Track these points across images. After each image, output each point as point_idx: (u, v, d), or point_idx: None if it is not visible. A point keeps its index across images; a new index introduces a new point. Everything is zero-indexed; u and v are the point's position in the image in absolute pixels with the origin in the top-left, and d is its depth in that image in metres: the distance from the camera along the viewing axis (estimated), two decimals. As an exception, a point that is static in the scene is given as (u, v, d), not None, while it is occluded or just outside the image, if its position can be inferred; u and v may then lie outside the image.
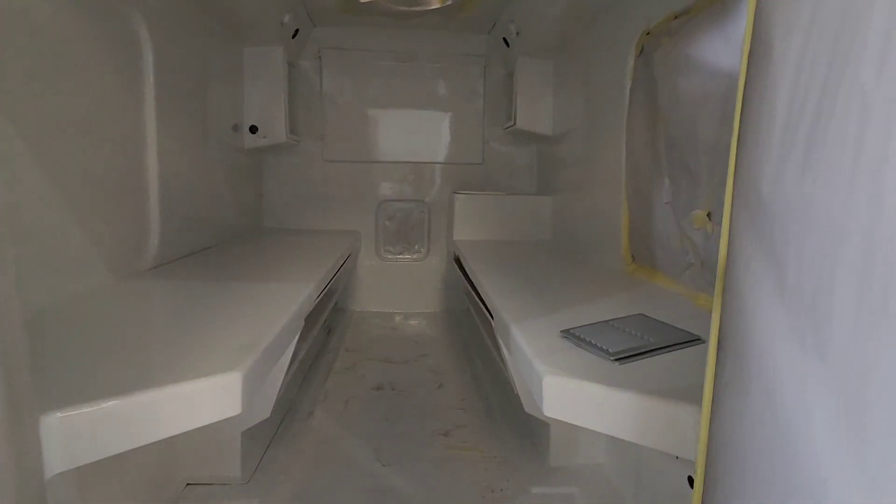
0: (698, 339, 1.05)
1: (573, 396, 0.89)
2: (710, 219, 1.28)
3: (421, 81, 3.07)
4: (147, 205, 1.70)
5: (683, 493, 1.09)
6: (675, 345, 1.03)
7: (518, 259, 2.19)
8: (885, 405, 0.37)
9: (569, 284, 1.70)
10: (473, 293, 1.95)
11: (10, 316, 0.61)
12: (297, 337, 1.34)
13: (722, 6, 1.26)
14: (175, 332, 1.10)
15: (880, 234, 0.39)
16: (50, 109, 1.24)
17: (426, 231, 3.20)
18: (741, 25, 1.18)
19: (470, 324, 2.78)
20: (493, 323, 1.46)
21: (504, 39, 2.79)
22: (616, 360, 0.96)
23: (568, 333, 1.09)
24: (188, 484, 1.37)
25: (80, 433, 0.72)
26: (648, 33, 1.62)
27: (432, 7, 2.54)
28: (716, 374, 0.63)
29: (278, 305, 1.30)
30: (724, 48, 1.25)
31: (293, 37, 2.72)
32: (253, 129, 2.68)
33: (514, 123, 2.80)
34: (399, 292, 3.19)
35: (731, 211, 0.60)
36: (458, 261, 2.51)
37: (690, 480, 1.04)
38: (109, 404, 0.74)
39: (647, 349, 1.00)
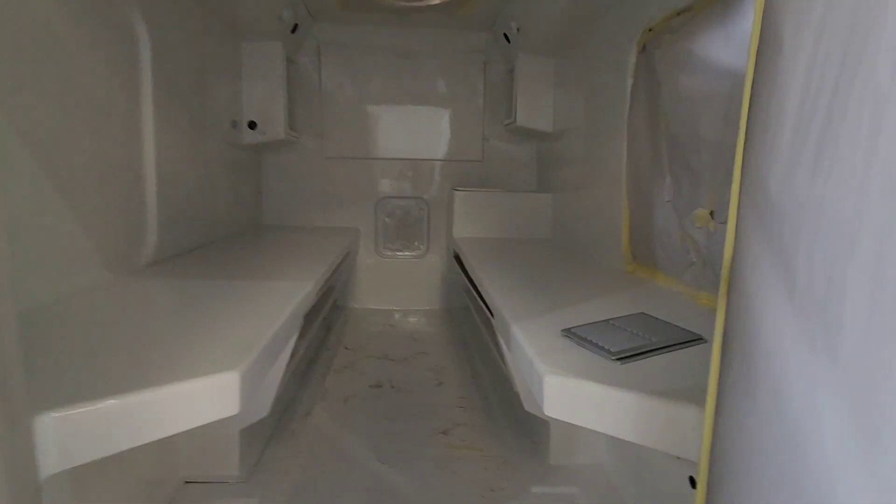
0: (700, 339, 1.05)
1: (574, 396, 0.88)
2: (712, 217, 1.27)
3: (421, 78, 3.05)
4: (144, 201, 1.68)
5: (684, 493, 1.09)
6: (676, 344, 1.02)
7: (518, 257, 2.18)
8: (897, 410, 0.37)
9: (569, 283, 1.69)
10: (473, 291, 1.94)
11: (2, 314, 0.60)
12: (296, 335, 1.33)
13: (725, 4, 1.25)
14: (172, 330, 1.09)
15: (893, 235, 0.38)
16: (46, 105, 1.22)
17: (425, 228, 3.19)
18: (745, 23, 1.18)
19: (469, 321, 2.77)
20: (493, 321, 1.45)
21: (505, 35, 2.78)
22: (617, 359, 0.95)
23: (569, 332, 1.08)
24: (186, 482, 1.36)
25: (75, 433, 0.71)
26: (650, 30, 1.61)
27: (432, 2, 2.52)
28: (721, 375, 0.62)
29: (277, 303, 1.30)
30: (726, 46, 1.24)
31: (292, 32, 2.70)
32: (252, 125, 2.66)
33: (515, 120, 2.79)
34: (398, 289, 3.18)
35: (738, 210, 0.59)
36: (457, 258, 2.50)
37: (692, 480, 1.04)
38: (105, 404, 0.73)
39: (649, 349, 1.00)
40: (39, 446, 0.67)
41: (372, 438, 1.62)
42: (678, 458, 1.06)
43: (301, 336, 1.42)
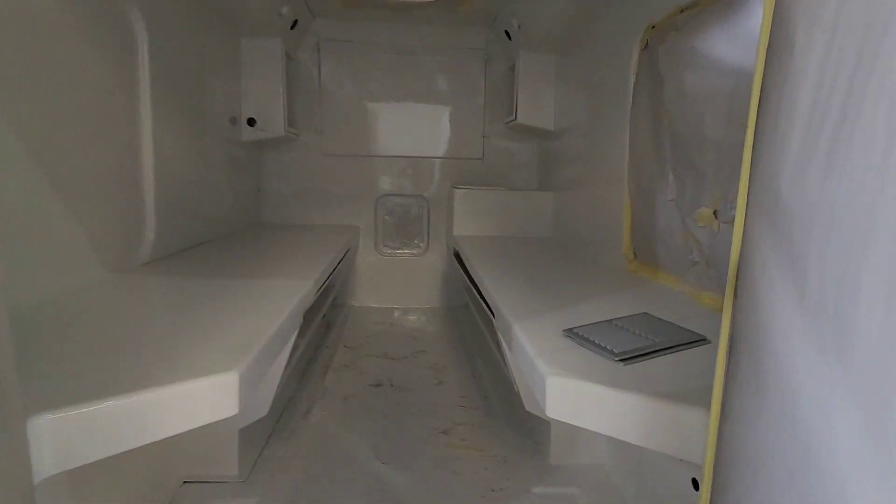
0: (704, 340, 1.04)
1: (577, 398, 0.87)
2: (716, 217, 1.26)
3: (421, 75, 3.04)
4: (142, 199, 1.67)
5: (686, 495, 1.08)
6: (680, 345, 1.01)
7: (518, 255, 2.17)
8: (914, 418, 0.36)
9: (570, 282, 1.68)
10: (473, 289, 1.93)
11: (-3, 315, 0.59)
12: (295, 334, 1.32)
13: (729, 1, 1.23)
14: (170, 329, 1.07)
15: (911, 238, 0.37)
16: (42, 102, 1.21)
17: (425, 226, 3.18)
18: (750, 20, 1.16)
19: (469, 320, 2.77)
20: (494, 320, 1.44)
21: (506, 32, 2.76)
22: (621, 360, 0.94)
23: (571, 332, 1.07)
24: (185, 482, 1.35)
25: (71, 435, 0.70)
26: (653, 27, 1.60)
27: (433, -1, 2.51)
28: (727, 377, 0.61)
29: (276, 302, 1.29)
30: (731, 43, 1.22)
31: (292, 28, 2.68)
32: (251, 122, 2.64)
33: (516, 118, 2.77)
34: (398, 287, 3.17)
35: (746, 210, 0.58)
36: (457, 256, 2.49)
37: (695, 482, 1.03)
38: (101, 406, 0.72)
39: (652, 349, 0.99)
40: (34, 448, 0.66)
41: (372, 437, 1.62)
42: (681, 459, 1.06)
43: (300, 335, 1.41)
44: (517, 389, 1.40)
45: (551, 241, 2.65)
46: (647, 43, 1.64)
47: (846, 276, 0.41)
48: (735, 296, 0.61)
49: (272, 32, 2.57)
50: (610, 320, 1.15)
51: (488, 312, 1.59)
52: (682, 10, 1.44)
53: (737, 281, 0.61)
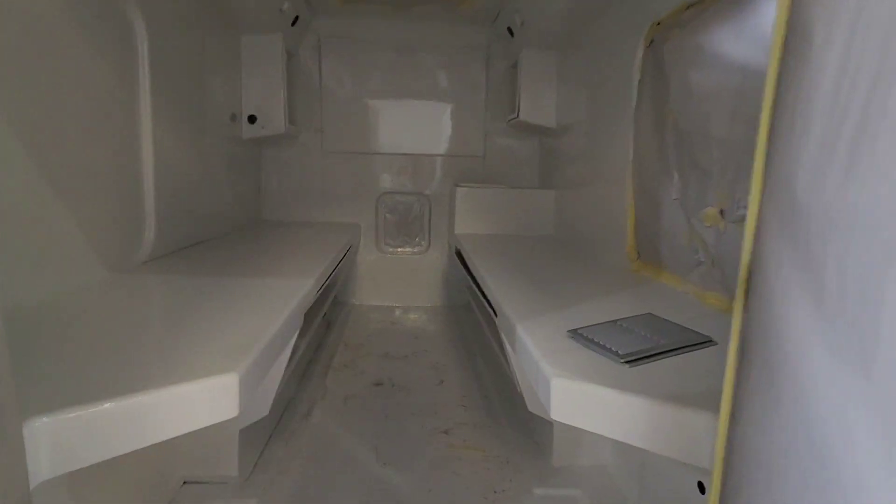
0: (710, 341, 1.02)
1: (582, 400, 0.86)
2: (722, 216, 1.25)
3: (422, 72, 3.02)
4: (142, 196, 1.65)
5: (691, 498, 1.07)
6: (686, 346, 1.00)
7: (520, 254, 2.16)
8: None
9: (573, 281, 1.67)
10: (475, 288, 1.92)
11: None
12: (296, 334, 1.31)
13: (737, -4, 1.22)
14: (169, 329, 1.06)
15: (937, 242, 0.35)
16: (41, 100, 1.19)
17: (427, 224, 3.17)
18: (758, 16, 1.15)
19: (471, 319, 2.75)
20: (496, 320, 1.43)
21: (508, 29, 2.74)
22: (626, 362, 0.93)
23: (575, 333, 1.06)
24: (185, 482, 1.34)
25: (68, 438, 0.69)
26: (658, 24, 1.58)
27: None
28: (738, 381, 0.60)
29: (277, 301, 1.27)
30: (739, 40, 1.21)
31: (292, 25, 2.66)
32: (251, 119, 2.63)
33: (518, 116, 2.76)
34: (399, 286, 3.16)
35: (759, 211, 0.57)
36: (459, 255, 2.48)
37: (701, 486, 1.02)
38: (99, 408, 0.71)
39: (658, 351, 0.97)
40: (31, 452, 0.64)
41: (372, 438, 1.61)
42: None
43: (301, 334, 1.40)
44: (519, 390, 1.39)
45: (553, 239, 2.63)
46: (651, 40, 1.62)
47: (868, 282, 0.40)
48: (746, 298, 0.60)
49: (273, 29, 2.55)
50: (614, 321, 1.13)
51: (490, 312, 1.58)
52: (687, 7, 1.42)
53: (748, 283, 0.60)
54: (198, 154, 2.08)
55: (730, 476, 0.61)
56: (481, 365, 2.22)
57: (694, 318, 1.18)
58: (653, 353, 0.97)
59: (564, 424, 0.89)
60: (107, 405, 0.72)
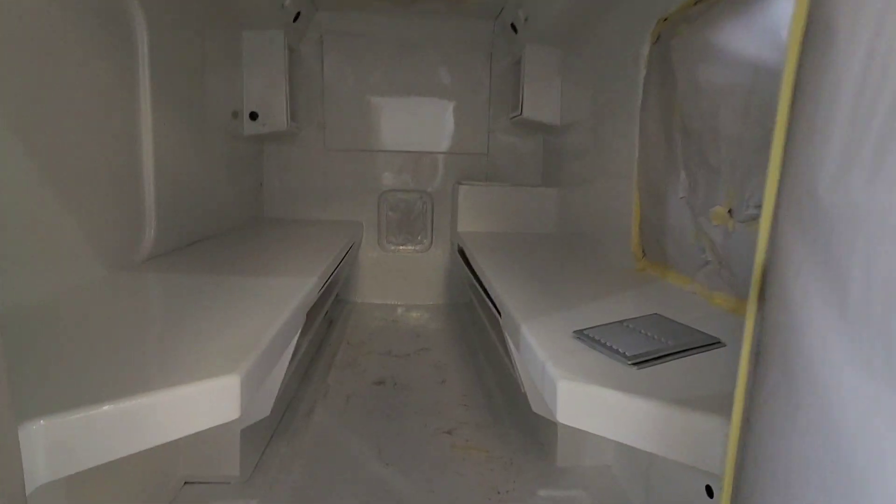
0: (719, 343, 1.01)
1: (589, 403, 0.85)
2: (731, 216, 1.23)
3: (425, 69, 2.99)
4: (142, 194, 1.64)
5: (698, 501, 1.05)
6: (694, 348, 0.98)
7: (524, 252, 2.14)
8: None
9: (577, 280, 1.65)
10: (478, 286, 1.91)
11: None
12: (298, 333, 1.30)
13: (746, -9, 1.19)
14: (170, 329, 1.05)
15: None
16: (40, 97, 1.18)
17: (429, 222, 3.15)
18: (770, 10, 1.12)
19: (473, 317, 2.74)
20: (500, 320, 1.41)
21: (512, 25, 2.71)
22: (633, 364, 0.91)
23: (581, 334, 1.04)
24: (186, 482, 1.33)
25: (66, 441, 0.67)
26: (665, 20, 1.56)
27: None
28: (753, 386, 0.58)
29: (279, 300, 1.26)
30: (749, 35, 1.18)
31: (294, 20, 2.64)
32: (253, 116, 2.61)
33: (521, 113, 2.73)
34: (401, 284, 3.14)
35: (774, 211, 0.55)
36: (461, 253, 2.46)
37: (708, 489, 1.01)
38: (98, 410, 0.70)
39: (666, 352, 0.96)
40: (27, 456, 0.63)
41: (374, 438, 1.59)
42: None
43: (303, 333, 1.38)
44: (523, 390, 1.38)
45: (556, 237, 2.61)
46: (658, 36, 1.60)
47: (896, 286, 0.38)
48: (760, 300, 0.58)
49: (274, 25, 2.53)
50: (620, 321, 1.12)
51: (493, 310, 1.56)
52: (695, 3, 1.40)
53: (762, 284, 0.58)
54: (199, 151, 2.06)
55: (743, 482, 0.60)
56: (484, 364, 2.21)
57: (701, 318, 1.17)
58: (660, 354, 0.95)
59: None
60: (106, 407, 0.71)
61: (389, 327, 2.72)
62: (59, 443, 0.67)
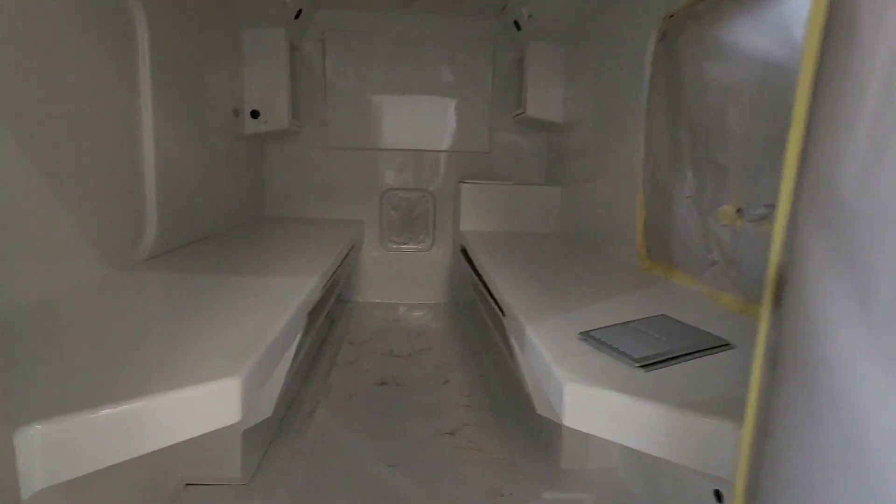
0: (728, 345, 0.99)
1: (597, 406, 0.83)
2: (739, 215, 1.21)
3: (427, 67, 2.97)
4: (143, 192, 1.63)
5: (706, 505, 1.04)
6: (702, 350, 0.97)
7: (527, 252, 2.12)
8: None
9: (581, 280, 1.63)
10: (481, 286, 1.89)
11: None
12: (300, 334, 1.28)
13: (755, -13, 1.17)
14: (170, 330, 1.03)
15: None
16: (38, 94, 1.16)
17: (431, 221, 3.13)
18: (782, 5, 1.10)
19: (476, 316, 2.72)
20: (504, 320, 1.40)
21: (515, 23, 2.69)
22: (641, 366, 0.90)
23: (587, 336, 1.02)
24: (187, 484, 1.32)
25: (63, 446, 0.66)
26: (671, 16, 1.53)
27: (440, -12, 2.44)
28: (770, 391, 0.56)
29: (280, 300, 1.24)
30: (759, 32, 1.16)
31: (295, 18, 2.62)
32: (254, 114, 2.59)
33: (524, 111, 2.71)
34: (403, 283, 3.13)
35: (794, 213, 0.53)
36: (464, 252, 2.44)
37: (717, 494, 0.99)
38: (96, 414, 0.68)
39: (674, 355, 0.94)
40: (22, 462, 0.62)
41: (376, 439, 1.58)
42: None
43: (304, 333, 1.37)
44: (527, 390, 1.36)
45: (559, 236, 2.60)
46: (664, 33, 1.58)
47: (927, 290, 0.36)
48: (776, 303, 0.56)
49: (276, 22, 2.51)
50: (627, 322, 1.10)
51: (496, 310, 1.54)
52: (702, -1, 1.37)
53: (777, 286, 0.56)
54: (200, 150, 2.05)
55: (757, 491, 0.58)
56: (486, 363, 2.19)
57: (708, 319, 1.15)
58: (669, 356, 0.93)
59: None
60: (104, 411, 0.69)
61: (391, 327, 2.71)
62: (56, 448, 0.65)
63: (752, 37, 1.19)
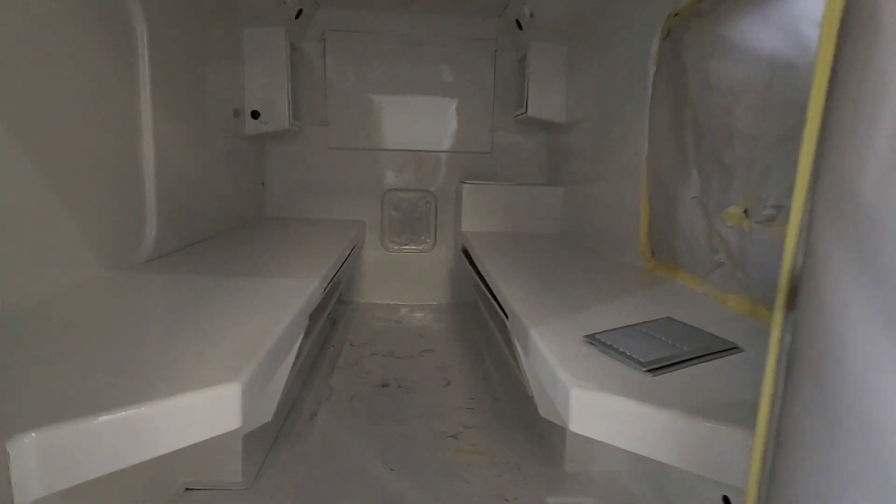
0: (736, 348, 0.97)
1: (604, 412, 0.81)
2: (746, 216, 1.19)
3: (428, 66, 2.96)
4: (143, 193, 1.61)
5: (713, 510, 1.02)
6: (710, 354, 0.95)
7: (529, 252, 2.11)
8: None
9: (585, 281, 1.62)
10: (483, 287, 1.87)
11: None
12: (301, 337, 1.27)
13: (762, -16, 1.16)
14: (169, 333, 1.02)
15: None
16: (39, 95, 1.15)
17: (433, 221, 3.12)
18: (786, 4, 1.08)
19: (477, 317, 2.71)
20: (507, 322, 1.38)
21: (517, 22, 2.68)
22: (648, 370, 0.88)
23: (593, 339, 1.01)
24: (187, 489, 1.31)
25: (59, 455, 0.64)
26: (676, 15, 1.52)
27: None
28: (784, 398, 0.55)
29: (281, 302, 1.23)
30: (765, 29, 1.15)
31: (296, 18, 2.60)
32: (255, 115, 2.58)
33: (526, 111, 2.70)
34: (404, 284, 3.11)
35: (805, 212, 0.52)
36: (465, 252, 2.43)
37: (726, 500, 0.97)
38: (93, 422, 0.67)
39: (681, 358, 0.92)
40: (17, 470, 0.60)
41: (378, 442, 1.56)
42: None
43: (306, 335, 1.36)
44: (530, 393, 1.35)
45: (561, 237, 2.58)
46: (668, 31, 1.56)
47: (956, 298, 0.34)
48: (790, 307, 0.55)
49: (276, 22, 2.49)
50: (633, 325, 1.08)
51: (499, 311, 1.53)
52: (707, -3, 1.36)
53: (790, 290, 0.55)
54: (200, 150, 2.03)
55: (774, 498, 0.56)
56: (489, 365, 2.18)
57: (714, 321, 1.13)
58: (676, 360, 0.92)
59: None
60: (102, 419, 0.68)
61: (393, 328, 2.69)
62: (52, 456, 0.64)
63: (758, 35, 1.17)
